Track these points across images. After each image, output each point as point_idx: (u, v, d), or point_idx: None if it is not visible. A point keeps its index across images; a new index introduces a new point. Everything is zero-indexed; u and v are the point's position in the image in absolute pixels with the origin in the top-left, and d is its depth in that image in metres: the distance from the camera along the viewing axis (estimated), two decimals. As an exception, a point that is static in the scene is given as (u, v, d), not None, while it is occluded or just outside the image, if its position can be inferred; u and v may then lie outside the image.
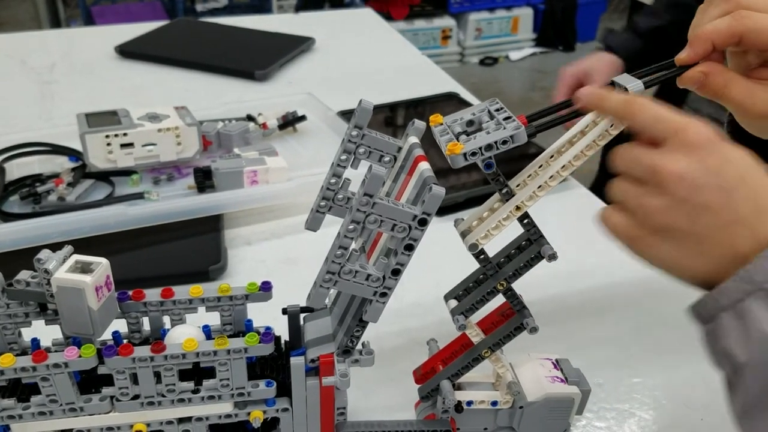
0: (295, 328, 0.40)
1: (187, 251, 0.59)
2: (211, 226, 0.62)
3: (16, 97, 0.92)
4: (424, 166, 0.34)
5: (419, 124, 0.37)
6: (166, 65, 1.00)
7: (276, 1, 2.96)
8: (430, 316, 0.53)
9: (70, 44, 1.11)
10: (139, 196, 0.64)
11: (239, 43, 1.06)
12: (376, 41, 1.17)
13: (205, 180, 0.66)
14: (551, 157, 0.35)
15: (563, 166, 0.34)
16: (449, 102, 0.92)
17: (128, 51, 1.02)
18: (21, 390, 0.36)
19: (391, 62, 1.08)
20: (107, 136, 0.65)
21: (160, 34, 1.09)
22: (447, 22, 3.27)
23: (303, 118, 0.81)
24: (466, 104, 0.91)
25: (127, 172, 0.68)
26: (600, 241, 0.54)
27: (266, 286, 0.40)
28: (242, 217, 0.65)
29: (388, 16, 2.91)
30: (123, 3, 2.92)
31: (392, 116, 0.88)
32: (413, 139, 0.36)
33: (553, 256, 0.35)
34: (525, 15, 3.40)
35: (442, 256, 0.52)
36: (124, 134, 0.66)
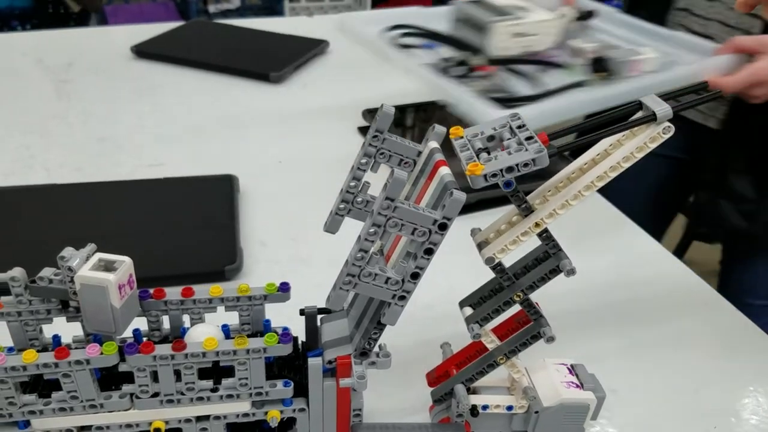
0: (312, 329, 0.41)
1: (203, 251, 0.59)
2: (226, 225, 0.62)
3: (32, 95, 0.92)
4: (445, 170, 0.34)
5: (439, 128, 0.37)
6: (181, 66, 1.01)
7: (288, 3, 2.98)
8: (443, 319, 0.53)
9: (86, 44, 1.12)
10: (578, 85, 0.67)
11: (254, 45, 1.07)
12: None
13: (604, 69, 0.69)
14: (573, 173, 0.35)
15: (586, 186, 0.34)
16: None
17: (144, 51, 1.02)
18: (42, 386, 0.36)
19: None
20: (508, 26, 0.67)
21: (175, 35, 1.10)
22: (458, 25, 3.28)
23: (590, 14, 0.82)
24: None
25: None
26: (616, 249, 0.54)
27: (284, 287, 0.40)
28: (256, 218, 0.66)
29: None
30: (136, 3, 2.94)
31: (417, 117, 0.89)
32: (433, 144, 0.37)
33: (571, 272, 0.36)
34: (536, 20, 3.39)
35: (455, 258, 0.52)
36: (519, 23, 0.68)
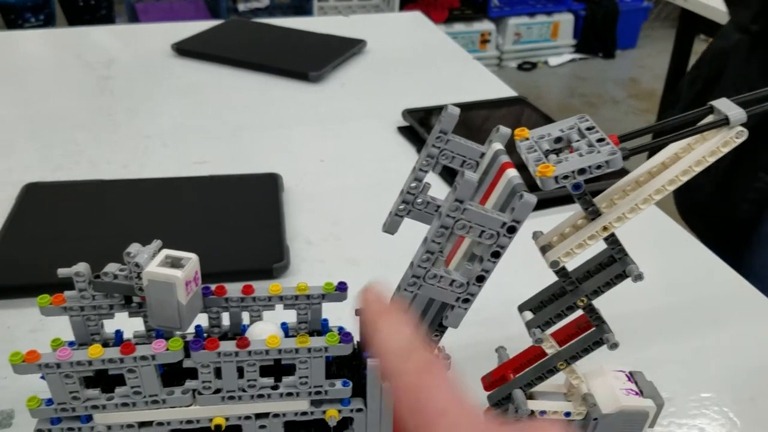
0: (367, 329, 0.41)
1: (251, 249, 0.59)
2: (272, 223, 0.62)
3: (75, 90, 0.94)
4: (512, 173, 0.34)
5: (504, 130, 0.37)
6: (221, 64, 1.01)
7: (317, 2, 2.99)
8: (490, 322, 0.53)
9: (125, 40, 1.13)
10: None
11: (292, 44, 1.07)
12: (427, 44, 1.17)
13: None
14: (641, 177, 0.35)
15: (657, 189, 0.33)
16: (516, 106, 0.92)
17: (185, 49, 1.03)
18: (105, 381, 0.37)
19: (443, 65, 1.08)
20: None
21: (215, 34, 1.10)
22: (486, 26, 3.26)
23: None
24: (534, 110, 0.90)
25: None
26: (665, 254, 0.52)
27: (342, 287, 0.40)
28: (300, 217, 0.66)
29: (428, 19, 2.91)
30: (167, 1, 2.97)
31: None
32: (498, 146, 0.36)
33: (639, 277, 0.35)
34: (565, 21, 3.38)
35: (504, 259, 0.52)
36: None
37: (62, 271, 0.36)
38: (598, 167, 0.31)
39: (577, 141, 0.33)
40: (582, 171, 0.31)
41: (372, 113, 0.89)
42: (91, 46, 1.09)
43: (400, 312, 0.29)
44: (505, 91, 0.97)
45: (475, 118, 0.88)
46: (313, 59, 1.00)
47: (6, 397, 0.46)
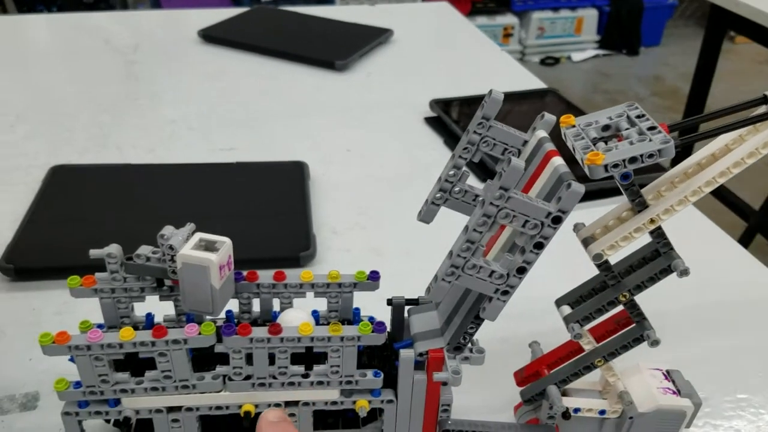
0: (398, 319, 0.40)
1: (277, 237, 0.59)
2: (299, 212, 0.62)
3: (102, 75, 0.93)
4: (558, 161, 0.33)
5: (549, 117, 0.36)
6: (246, 51, 1.01)
7: (340, -8, 2.97)
8: (519, 316, 0.52)
9: (151, 26, 1.13)
10: None
11: (318, 33, 1.07)
12: (454, 34, 1.16)
13: None
14: (690, 169, 0.34)
15: (707, 182, 0.32)
16: (546, 98, 0.90)
17: (211, 36, 1.03)
18: (134, 365, 0.36)
19: (470, 56, 1.07)
20: None
21: (241, 21, 1.10)
22: (509, 19, 3.23)
23: None
24: (565, 102, 0.89)
25: None
26: (698, 251, 0.51)
27: (374, 276, 0.39)
28: (326, 206, 0.65)
29: (451, 12, 2.89)
30: (190, -12, 2.96)
31: (462, 111, 0.87)
32: (542, 133, 0.35)
33: (685, 272, 0.34)
34: (590, 16, 3.33)
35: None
36: None
37: (94, 252, 0.36)
38: (650, 156, 0.30)
39: (627, 129, 0.32)
40: (633, 159, 0.30)
41: (398, 103, 0.88)
42: (117, 32, 1.09)
43: None
44: (533, 83, 0.96)
45: (503, 109, 0.86)
46: (340, 48, 0.99)
47: (31, 379, 0.45)
